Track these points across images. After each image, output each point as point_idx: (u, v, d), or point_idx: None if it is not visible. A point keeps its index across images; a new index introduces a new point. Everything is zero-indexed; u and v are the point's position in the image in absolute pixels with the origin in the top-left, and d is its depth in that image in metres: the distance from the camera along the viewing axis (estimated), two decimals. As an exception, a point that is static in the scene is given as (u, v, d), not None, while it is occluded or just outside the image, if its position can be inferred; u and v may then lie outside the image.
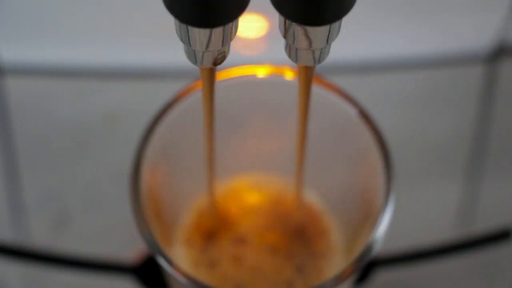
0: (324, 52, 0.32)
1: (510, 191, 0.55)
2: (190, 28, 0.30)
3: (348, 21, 0.33)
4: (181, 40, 0.31)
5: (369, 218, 0.39)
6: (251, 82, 0.41)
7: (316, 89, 0.38)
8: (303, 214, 0.43)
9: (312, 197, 0.44)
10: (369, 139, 0.39)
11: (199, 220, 0.43)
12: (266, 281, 0.41)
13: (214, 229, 0.43)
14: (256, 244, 0.42)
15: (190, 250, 0.42)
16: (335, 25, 0.30)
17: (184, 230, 0.43)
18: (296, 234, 0.42)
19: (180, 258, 0.42)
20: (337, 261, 0.42)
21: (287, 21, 0.30)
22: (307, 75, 0.34)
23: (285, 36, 0.31)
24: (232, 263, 0.42)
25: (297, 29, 0.30)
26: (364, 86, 0.57)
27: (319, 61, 0.32)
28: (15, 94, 0.56)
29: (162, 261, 0.37)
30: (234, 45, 0.33)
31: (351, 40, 0.53)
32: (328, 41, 0.31)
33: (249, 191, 0.44)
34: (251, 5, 0.30)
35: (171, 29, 0.33)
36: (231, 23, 0.30)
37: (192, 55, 0.32)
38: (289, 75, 0.40)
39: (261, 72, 0.41)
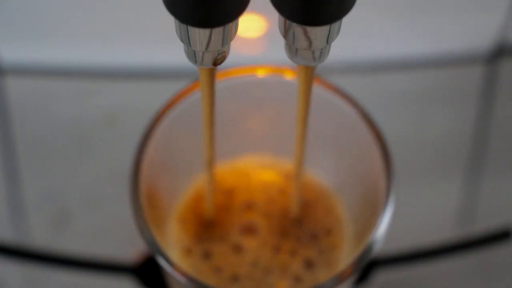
0: (324, 52, 0.32)
1: (510, 191, 0.55)
2: (190, 28, 0.30)
3: (348, 21, 0.33)
4: (181, 40, 0.31)
5: (374, 215, 0.39)
6: (251, 82, 0.41)
7: (316, 89, 0.38)
8: (310, 204, 0.43)
9: (318, 189, 0.43)
10: (369, 139, 0.39)
11: (196, 203, 0.43)
12: (268, 274, 0.41)
13: (212, 215, 0.42)
14: (260, 235, 0.42)
15: (184, 236, 0.42)
16: (335, 25, 0.30)
17: (180, 211, 0.42)
18: (302, 224, 0.42)
19: (173, 244, 0.42)
20: (347, 252, 0.42)
21: (287, 21, 0.30)
22: (307, 75, 0.34)
23: (285, 36, 0.31)
24: (231, 253, 0.41)
25: (297, 29, 0.30)
26: (364, 86, 0.57)
27: (319, 61, 0.32)
28: (15, 94, 0.56)
29: (162, 261, 0.37)
30: (234, 45, 0.33)
31: (351, 40, 0.53)
32: (328, 41, 0.31)
33: (253, 176, 0.44)
34: (251, 5, 0.30)
35: (171, 29, 0.33)
36: (231, 23, 0.30)
37: (192, 55, 0.32)
38: (289, 75, 0.40)
39: (261, 72, 0.41)
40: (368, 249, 0.37)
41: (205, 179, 0.41)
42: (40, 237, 0.53)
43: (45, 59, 0.57)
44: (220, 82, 0.40)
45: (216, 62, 0.32)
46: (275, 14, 0.30)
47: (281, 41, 0.32)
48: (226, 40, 0.31)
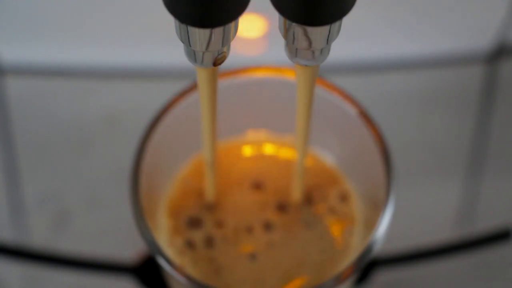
0: (324, 52, 0.32)
1: (510, 191, 0.55)
2: (190, 28, 0.30)
3: (348, 21, 0.33)
4: (181, 40, 0.31)
5: (374, 216, 0.39)
6: (251, 82, 0.41)
7: (316, 89, 0.38)
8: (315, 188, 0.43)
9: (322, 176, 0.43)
10: (369, 139, 0.39)
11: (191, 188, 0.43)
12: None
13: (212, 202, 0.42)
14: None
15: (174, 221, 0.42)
16: (335, 25, 0.30)
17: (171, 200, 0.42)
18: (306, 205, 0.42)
19: (164, 229, 0.41)
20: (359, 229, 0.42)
21: (287, 21, 0.30)
22: (307, 75, 0.34)
23: (285, 36, 0.31)
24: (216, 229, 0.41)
25: (297, 29, 0.30)
26: (364, 86, 0.57)
27: (319, 61, 0.32)
28: (15, 94, 0.56)
29: (162, 261, 0.37)
30: (234, 45, 0.33)
31: (351, 40, 0.53)
32: (328, 41, 0.31)
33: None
34: (251, 5, 0.30)
35: (171, 29, 0.33)
36: (231, 23, 0.30)
37: (192, 56, 0.32)
38: (289, 75, 0.40)
39: (261, 72, 0.41)
40: (368, 249, 0.37)
41: (206, 178, 0.41)
42: (40, 237, 0.53)
43: (45, 59, 0.57)
44: (220, 82, 0.40)
45: (216, 62, 0.32)
46: (275, 14, 0.30)
47: (281, 41, 0.32)
48: (226, 40, 0.31)
